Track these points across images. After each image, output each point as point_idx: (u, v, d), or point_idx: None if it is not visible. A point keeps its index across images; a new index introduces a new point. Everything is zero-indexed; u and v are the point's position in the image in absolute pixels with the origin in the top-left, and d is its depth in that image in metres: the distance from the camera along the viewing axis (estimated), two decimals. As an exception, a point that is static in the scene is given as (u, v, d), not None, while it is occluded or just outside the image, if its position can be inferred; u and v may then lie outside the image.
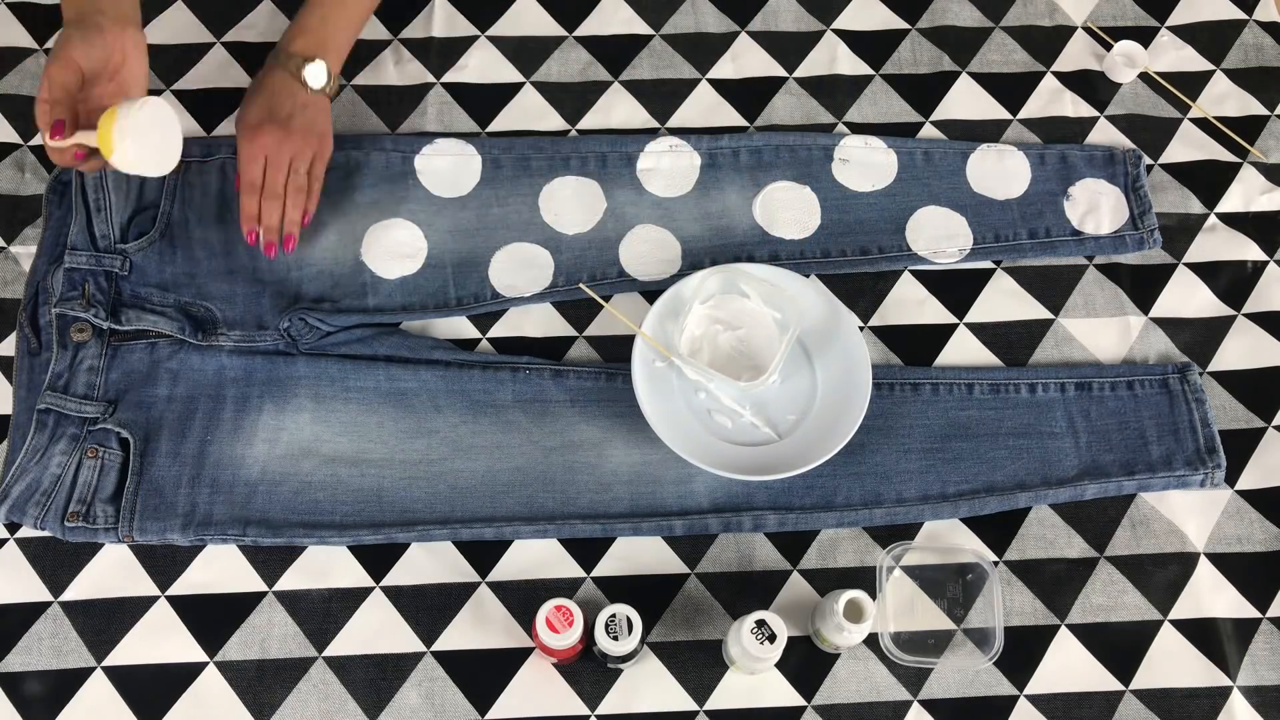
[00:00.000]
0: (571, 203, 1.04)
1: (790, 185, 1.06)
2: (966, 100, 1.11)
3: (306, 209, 0.95)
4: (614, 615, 0.81)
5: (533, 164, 1.05)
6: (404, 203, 1.03)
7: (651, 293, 1.01)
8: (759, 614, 0.80)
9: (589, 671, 0.88)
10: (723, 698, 0.87)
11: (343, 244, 1.01)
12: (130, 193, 1.00)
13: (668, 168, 1.06)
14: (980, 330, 1.01)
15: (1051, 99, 1.12)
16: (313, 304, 0.97)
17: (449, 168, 1.05)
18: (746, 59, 1.13)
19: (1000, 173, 1.07)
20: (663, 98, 1.10)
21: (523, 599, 0.90)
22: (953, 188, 1.06)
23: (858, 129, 1.09)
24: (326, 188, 0.99)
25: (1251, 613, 0.91)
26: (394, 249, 1.01)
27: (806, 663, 0.88)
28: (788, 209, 1.05)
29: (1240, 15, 1.17)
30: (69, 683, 0.87)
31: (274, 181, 0.93)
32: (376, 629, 0.89)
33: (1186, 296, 1.03)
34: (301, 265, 1.00)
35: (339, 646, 0.88)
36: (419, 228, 1.03)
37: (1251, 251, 1.04)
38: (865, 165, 1.07)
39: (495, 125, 1.08)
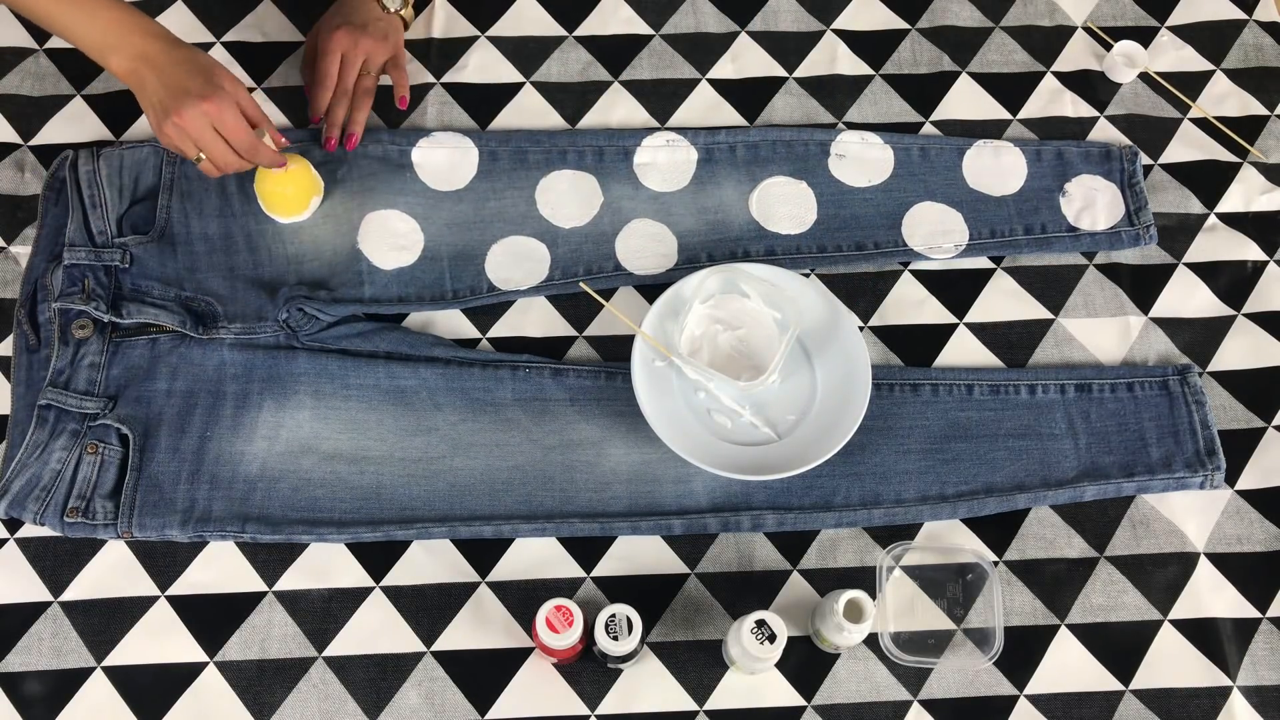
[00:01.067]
0: (568, 196, 1.04)
1: (787, 180, 1.06)
2: (966, 100, 1.11)
3: (399, 93, 1.05)
4: (614, 615, 0.81)
5: (529, 158, 1.05)
6: (401, 195, 1.03)
7: (650, 290, 1.01)
8: (759, 614, 0.80)
9: (589, 671, 0.88)
10: (723, 698, 0.87)
11: (339, 232, 1.01)
12: (125, 188, 1.01)
13: (664, 162, 1.06)
14: (980, 330, 1.01)
15: (1051, 99, 1.12)
16: (310, 291, 0.97)
17: (446, 161, 1.05)
18: (746, 59, 1.13)
19: (996, 169, 1.07)
20: (663, 98, 1.10)
21: (523, 599, 0.90)
22: (949, 184, 1.06)
23: (857, 129, 1.09)
24: (337, 177, 1.01)
25: (1251, 613, 0.91)
26: (390, 239, 1.01)
27: (806, 663, 0.88)
28: (784, 204, 1.05)
29: (1240, 15, 1.17)
30: (69, 683, 0.87)
31: (345, 80, 1.02)
32: (376, 629, 0.89)
33: (1186, 296, 1.03)
34: (302, 259, 1.00)
35: (339, 646, 0.88)
36: (415, 220, 1.03)
37: (1251, 251, 1.04)
38: (862, 161, 1.07)
39: (495, 125, 1.08)
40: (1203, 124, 1.11)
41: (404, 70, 1.06)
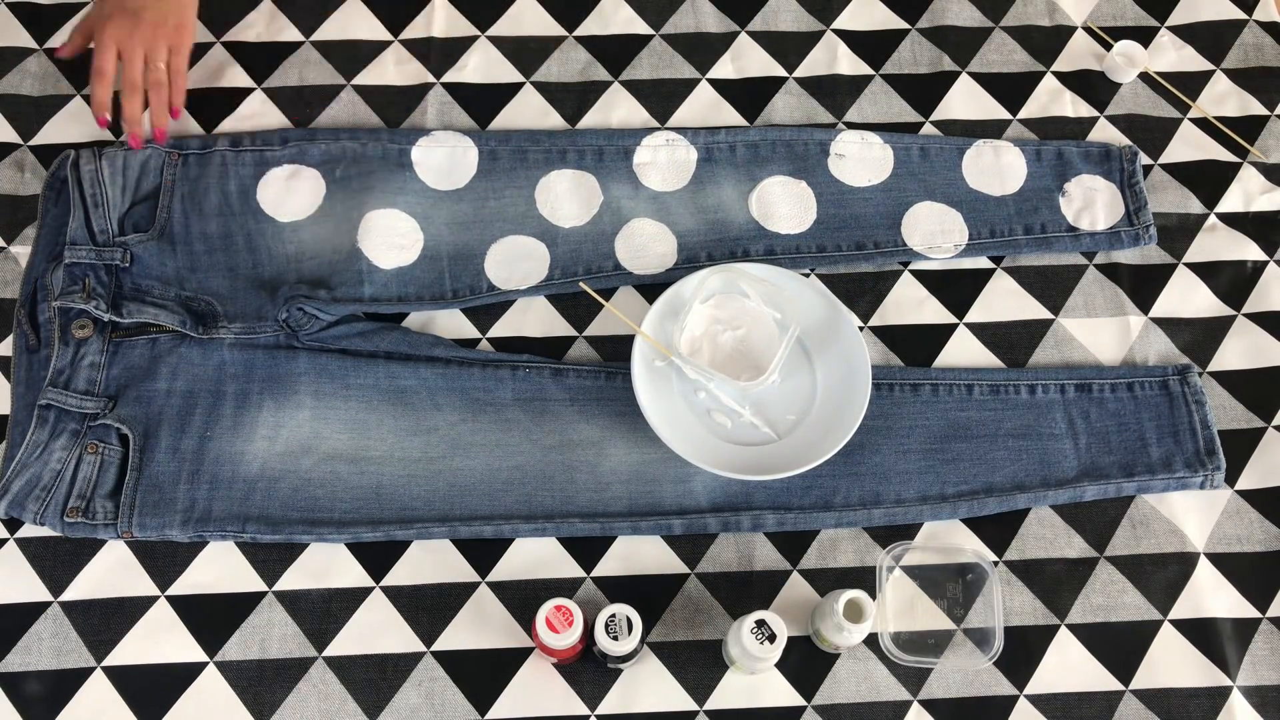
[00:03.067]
0: (568, 196, 1.04)
1: (786, 180, 1.06)
2: (966, 100, 1.11)
3: (172, 103, 0.98)
4: (614, 615, 0.81)
5: (529, 157, 1.05)
6: (401, 194, 1.03)
7: (650, 290, 1.01)
8: (759, 614, 0.80)
9: (589, 671, 0.88)
10: (723, 698, 0.87)
11: (339, 230, 1.01)
12: (127, 187, 1.01)
13: (664, 162, 1.06)
14: (980, 330, 1.01)
15: (1051, 99, 1.12)
16: (309, 290, 0.97)
17: (445, 160, 1.05)
18: (746, 59, 1.13)
19: (996, 169, 1.07)
20: (662, 98, 1.10)
21: (523, 599, 0.90)
22: (949, 184, 1.06)
23: (857, 129, 1.09)
24: (336, 176, 1.01)
25: (1251, 613, 0.91)
26: (390, 239, 1.01)
27: (806, 663, 0.88)
28: (784, 204, 1.05)
29: (1240, 15, 1.17)
30: (69, 683, 0.87)
31: (130, 73, 0.96)
32: (376, 629, 0.89)
33: (1186, 296, 1.03)
34: (302, 258, 1.00)
35: (339, 646, 0.88)
36: (415, 219, 1.03)
37: (1251, 251, 1.05)
38: (861, 160, 1.07)
39: (495, 125, 1.08)
40: (1203, 124, 1.11)
41: (183, 73, 0.98)
